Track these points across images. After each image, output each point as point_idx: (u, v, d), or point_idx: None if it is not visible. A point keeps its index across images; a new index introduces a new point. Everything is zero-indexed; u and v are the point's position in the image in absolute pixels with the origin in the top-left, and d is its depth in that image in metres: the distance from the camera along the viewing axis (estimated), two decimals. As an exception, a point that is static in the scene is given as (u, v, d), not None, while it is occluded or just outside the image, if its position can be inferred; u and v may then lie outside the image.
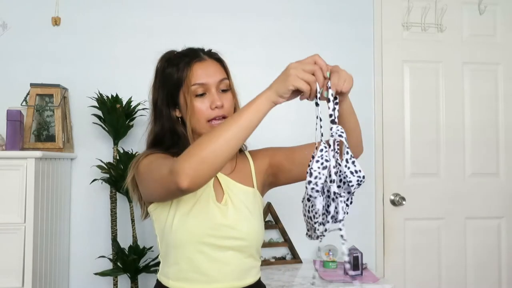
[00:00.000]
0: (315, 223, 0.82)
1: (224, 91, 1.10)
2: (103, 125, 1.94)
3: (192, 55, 1.09)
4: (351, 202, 0.82)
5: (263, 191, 1.19)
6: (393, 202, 2.26)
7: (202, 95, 1.07)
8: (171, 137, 1.11)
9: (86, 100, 1.99)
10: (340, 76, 0.85)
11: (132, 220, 1.94)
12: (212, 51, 1.15)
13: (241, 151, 1.21)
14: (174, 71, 1.08)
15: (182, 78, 1.06)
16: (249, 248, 1.08)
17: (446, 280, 2.29)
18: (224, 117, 1.08)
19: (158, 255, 1.18)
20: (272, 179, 1.19)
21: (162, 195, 0.99)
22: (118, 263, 1.88)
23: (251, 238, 1.07)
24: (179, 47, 1.17)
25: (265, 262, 2.02)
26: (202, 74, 1.07)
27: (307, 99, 0.86)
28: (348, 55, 2.26)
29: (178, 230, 1.04)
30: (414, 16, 2.32)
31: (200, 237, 1.04)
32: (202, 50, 1.13)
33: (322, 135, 0.81)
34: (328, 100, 0.83)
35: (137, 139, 1.95)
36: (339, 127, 0.81)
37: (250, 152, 1.22)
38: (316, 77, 0.83)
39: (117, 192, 1.92)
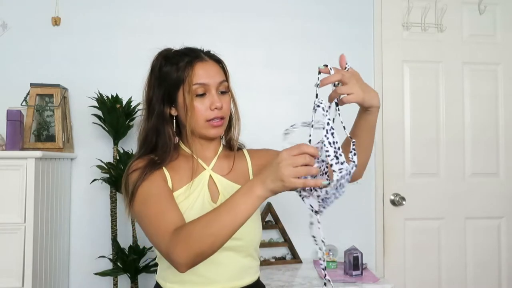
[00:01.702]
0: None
1: (222, 92, 1.09)
2: (103, 125, 1.94)
3: (194, 55, 1.09)
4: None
5: None
6: (393, 202, 2.26)
7: (202, 95, 1.06)
8: (155, 136, 1.10)
9: (86, 100, 1.99)
10: (349, 87, 0.89)
11: (132, 220, 1.94)
12: (211, 52, 1.14)
13: (239, 149, 1.20)
14: (174, 69, 1.07)
15: (183, 77, 1.06)
16: (246, 248, 1.08)
17: (446, 280, 2.29)
18: (222, 118, 1.08)
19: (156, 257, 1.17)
20: None
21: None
22: (118, 263, 1.88)
23: (247, 238, 1.07)
24: (178, 47, 1.17)
25: (265, 262, 2.02)
26: (204, 74, 1.06)
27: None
28: (348, 55, 2.23)
29: None
30: (414, 16, 2.32)
31: None
32: (202, 50, 1.13)
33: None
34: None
35: (137, 144, 1.95)
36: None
37: (248, 150, 1.22)
38: (309, 170, 0.81)
39: (117, 192, 1.92)
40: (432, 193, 2.30)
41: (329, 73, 0.88)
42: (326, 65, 0.88)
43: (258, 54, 2.19)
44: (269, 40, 2.21)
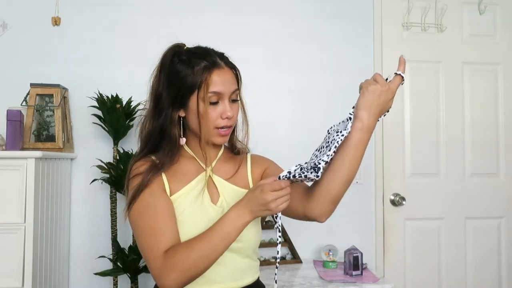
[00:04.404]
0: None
1: (233, 101, 1.09)
2: (103, 125, 1.94)
3: (211, 61, 1.06)
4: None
5: None
6: (393, 202, 2.26)
7: (215, 103, 1.06)
8: (159, 137, 1.10)
9: (86, 100, 1.99)
10: (371, 87, 1.06)
11: (132, 220, 1.94)
12: (224, 55, 1.12)
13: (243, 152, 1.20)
14: (189, 73, 1.05)
15: (198, 83, 1.04)
16: (245, 249, 1.08)
17: (446, 280, 2.29)
18: (230, 127, 1.09)
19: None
20: None
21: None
22: (118, 263, 1.88)
23: (247, 239, 1.07)
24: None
25: (265, 262, 2.02)
26: (220, 82, 1.05)
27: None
28: (348, 55, 2.26)
29: None
30: (414, 16, 2.32)
31: None
32: (217, 54, 1.11)
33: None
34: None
35: (137, 139, 1.95)
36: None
37: (252, 156, 1.22)
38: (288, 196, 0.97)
39: (117, 192, 1.92)
40: (432, 193, 2.30)
41: (404, 63, 1.11)
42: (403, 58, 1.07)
43: (258, 53, 2.19)
44: (269, 39, 2.21)
